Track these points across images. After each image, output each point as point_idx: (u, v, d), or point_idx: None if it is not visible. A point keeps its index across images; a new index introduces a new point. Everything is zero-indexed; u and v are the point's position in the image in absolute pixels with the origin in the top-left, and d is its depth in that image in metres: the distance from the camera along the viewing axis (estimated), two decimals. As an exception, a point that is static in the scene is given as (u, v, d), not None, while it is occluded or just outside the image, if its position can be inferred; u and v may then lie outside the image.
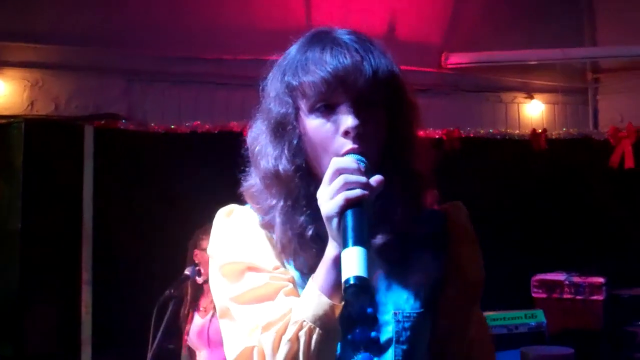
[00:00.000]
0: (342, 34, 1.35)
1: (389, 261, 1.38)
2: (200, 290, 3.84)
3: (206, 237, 3.75)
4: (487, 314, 2.18)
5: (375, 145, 1.32)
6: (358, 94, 1.29)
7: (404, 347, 1.36)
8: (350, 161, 1.25)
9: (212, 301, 3.64)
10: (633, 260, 5.80)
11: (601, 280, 5.47)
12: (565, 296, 5.49)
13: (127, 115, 5.37)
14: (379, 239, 1.35)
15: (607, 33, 6.87)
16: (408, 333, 1.37)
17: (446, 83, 6.40)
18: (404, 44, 5.96)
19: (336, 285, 1.23)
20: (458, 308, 1.43)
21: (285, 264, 1.37)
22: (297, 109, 1.35)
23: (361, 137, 1.28)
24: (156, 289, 3.48)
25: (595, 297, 5.47)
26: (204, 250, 3.69)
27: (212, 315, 3.58)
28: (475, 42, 6.36)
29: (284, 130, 1.35)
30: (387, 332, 1.37)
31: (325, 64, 1.29)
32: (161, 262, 3.75)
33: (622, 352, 5.23)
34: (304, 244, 1.34)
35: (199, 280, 3.76)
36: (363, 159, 1.27)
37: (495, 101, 6.78)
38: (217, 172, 5.35)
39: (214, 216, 1.48)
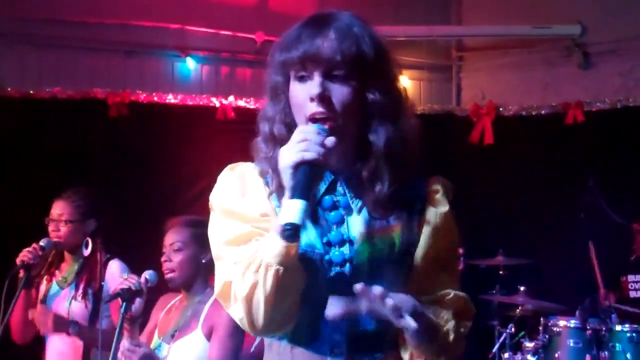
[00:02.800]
0: (330, 19, 1.62)
1: (372, 217, 1.64)
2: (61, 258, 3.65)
3: (55, 205, 3.56)
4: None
5: (342, 110, 1.58)
6: (326, 69, 1.57)
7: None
8: (313, 129, 1.53)
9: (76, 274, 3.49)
10: (489, 231, 6.08)
11: (459, 250, 5.70)
12: (425, 267, 5.69)
13: (-18, 78, 5.09)
14: (366, 197, 1.63)
15: (472, 12, 7.09)
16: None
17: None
18: (276, 14, 5.92)
19: None
20: (424, 267, 1.66)
21: (276, 207, 1.61)
22: (288, 78, 1.63)
23: (325, 103, 1.57)
24: (12, 261, 3.35)
25: (453, 267, 5.71)
26: (55, 220, 3.51)
27: (79, 295, 3.41)
28: (345, 16, 6.40)
29: (277, 95, 1.66)
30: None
31: (302, 44, 1.58)
32: (17, 232, 3.60)
33: (477, 319, 5.48)
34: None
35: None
36: (324, 127, 1.54)
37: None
38: (79, 139, 5.21)
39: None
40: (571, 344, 4.44)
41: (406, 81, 7.01)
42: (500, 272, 5.42)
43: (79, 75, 5.41)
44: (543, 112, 6.35)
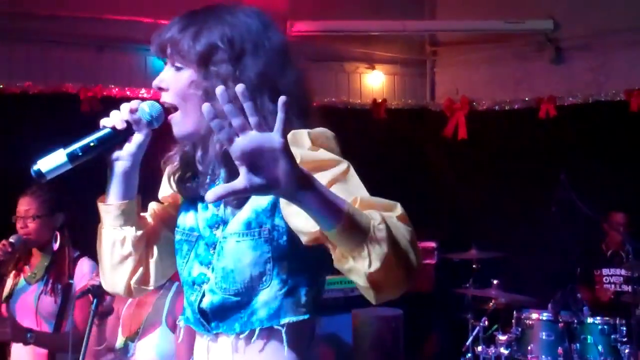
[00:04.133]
0: (191, 12, 1.71)
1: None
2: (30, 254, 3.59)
3: (22, 202, 3.51)
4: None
5: (177, 99, 1.63)
6: (171, 59, 1.65)
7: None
8: (131, 104, 1.67)
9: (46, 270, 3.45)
10: (463, 225, 6.12)
11: (433, 244, 5.74)
12: (399, 260, 5.71)
13: (-49, 72, 5.02)
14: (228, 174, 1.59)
15: (445, 8, 7.13)
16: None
17: (291, 51, 6.40)
18: (249, 9, 5.89)
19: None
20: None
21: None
22: None
23: (163, 90, 1.65)
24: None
25: (427, 261, 5.74)
26: (23, 217, 3.46)
27: (49, 290, 3.37)
28: (320, 10, 6.40)
29: None
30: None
31: (155, 36, 1.69)
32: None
33: (451, 312, 5.52)
34: None
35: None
36: (154, 109, 1.65)
37: (339, 70, 6.88)
38: (50, 135, 5.15)
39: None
40: (543, 337, 4.49)
41: (381, 76, 7.04)
42: (474, 266, 5.45)
43: (51, 69, 5.34)
44: (516, 106, 6.40)
